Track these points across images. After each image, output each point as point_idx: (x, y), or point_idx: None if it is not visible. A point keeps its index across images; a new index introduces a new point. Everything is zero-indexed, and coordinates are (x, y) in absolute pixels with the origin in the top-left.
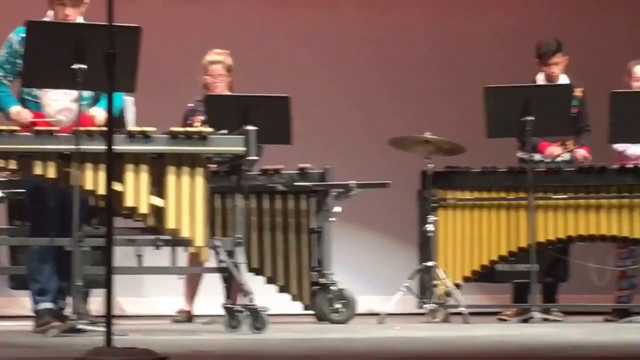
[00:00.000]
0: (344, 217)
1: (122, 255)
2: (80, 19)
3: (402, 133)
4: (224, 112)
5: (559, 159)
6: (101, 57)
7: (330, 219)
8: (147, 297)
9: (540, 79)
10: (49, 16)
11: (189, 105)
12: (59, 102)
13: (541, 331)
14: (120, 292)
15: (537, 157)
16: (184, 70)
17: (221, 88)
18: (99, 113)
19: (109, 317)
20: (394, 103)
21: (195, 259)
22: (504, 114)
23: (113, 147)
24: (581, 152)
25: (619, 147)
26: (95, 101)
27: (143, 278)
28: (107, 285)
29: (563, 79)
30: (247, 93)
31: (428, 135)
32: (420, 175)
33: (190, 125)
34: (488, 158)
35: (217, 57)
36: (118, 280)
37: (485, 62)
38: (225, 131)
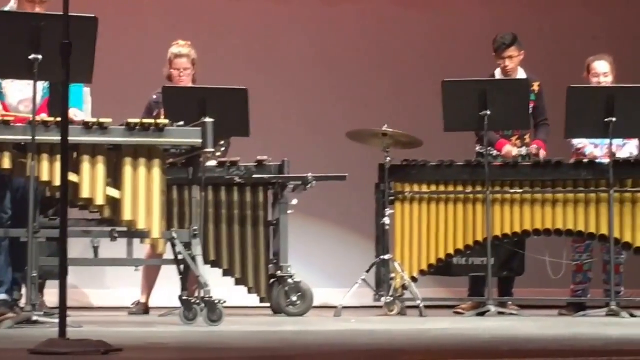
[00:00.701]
0: (302, 210)
1: (83, 247)
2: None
3: (360, 126)
4: (182, 104)
5: (515, 152)
6: (57, 48)
7: (287, 211)
8: (113, 289)
9: (498, 74)
10: (11, 7)
11: (153, 96)
12: (23, 93)
13: (496, 324)
14: (86, 283)
15: (494, 151)
16: (141, 61)
17: (186, 81)
18: (75, 114)
19: (62, 309)
20: (352, 96)
21: (155, 251)
22: (461, 108)
23: (69, 138)
24: (535, 146)
25: (577, 144)
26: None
27: (109, 270)
28: (61, 276)
29: (520, 74)
30: (205, 85)
31: (386, 128)
32: (378, 168)
33: (157, 117)
34: (445, 152)
35: (183, 51)
36: (82, 271)
37: (444, 56)
38: (182, 123)
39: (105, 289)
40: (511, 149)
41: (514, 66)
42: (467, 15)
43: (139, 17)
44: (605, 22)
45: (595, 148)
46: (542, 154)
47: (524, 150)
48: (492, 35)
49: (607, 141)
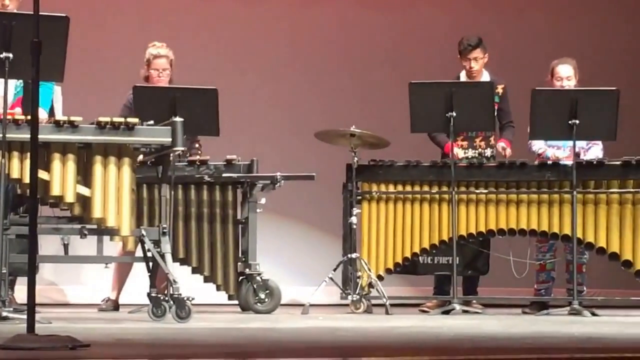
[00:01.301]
0: (270, 209)
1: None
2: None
3: (328, 126)
4: (153, 103)
5: (462, 154)
6: (28, 46)
7: (256, 210)
8: (89, 286)
9: (463, 75)
10: None
11: (130, 94)
12: None
13: (461, 322)
14: (63, 280)
15: (469, 152)
16: (112, 60)
17: (164, 82)
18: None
19: (31, 305)
20: (320, 96)
21: (125, 249)
22: (428, 110)
23: (40, 136)
24: (501, 144)
25: (537, 150)
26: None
27: (86, 267)
28: (30, 273)
29: (485, 76)
30: (176, 85)
31: (354, 129)
32: (346, 168)
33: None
34: (412, 152)
35: (162, 51)
36: (60, 268)
37: (411, 59)
38: (151, 122)
39: (82, 286)
40: (458, 151)
41: (479, 68)
42: (433, 18)
43: (109, 17)
44: (568, 26)
45: (557, 150)
46: (508, 152)
47: (470, 153)
48: (458, 38)
49: (570, 143)
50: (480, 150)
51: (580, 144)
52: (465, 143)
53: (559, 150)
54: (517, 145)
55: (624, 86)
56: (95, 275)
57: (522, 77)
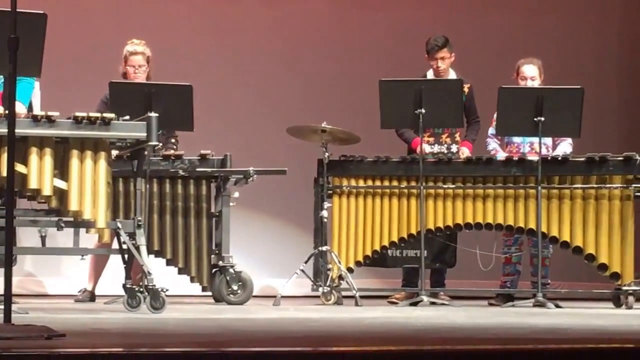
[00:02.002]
0: (243, 202)
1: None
2: None
3: (300, 122)
4: (129, 99)
5: (428, 149)
6: (6, 42)
7: (229, 203)
8: (68, 277)
9: (430, 74)
10: None
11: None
12: None
13: (428, 314)
14: (42, 272)
15: (435, 148)
16: (89, 56)
17: (141, 78)
18: (19, 109)
19: (7, 296)
20: (292, 93)
21: (101, 241)
22: (397, 106)
23: (18, 130)
24: (464, 150)
25: (489, 148)
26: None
27: (65, 258)
28: (6, 264)
29: (451, 75)
30: (151, 81)
31: (325, 124)
32: (317, 163)
33: None
34: (382, 148)
35: (138, 48)
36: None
37: (381, 56)
38: (127, 117)
39: (61, 277)
40: (424, 147)
41: (446, 67)
42: (403, 17)
43: (88, 13)
44: (535, 25)
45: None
46: (467, 156)
47: (436, 148)
48: (428, 36)
49: (530, 139)
50: (446, 145)
51: (548, 140)
52: (431, 139)
53: (524, 146)
54: (481, 141)
55: (588, 84)
56: (73, 267)
57: (489, 75)
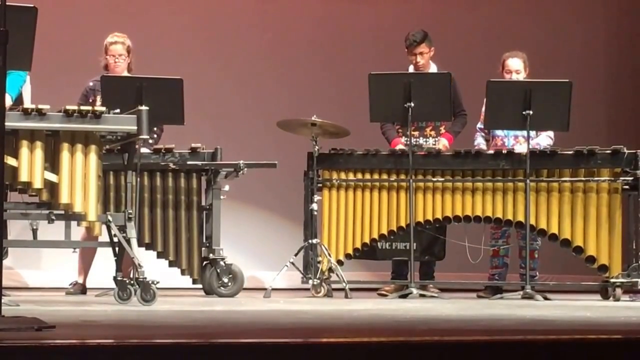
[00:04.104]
0: (234, 196)
1: (21, 229)
2: None
3: (290, 116)
4: (120, 92)
5: (431, 142)
6: None
7: (220, 197)
8: (48, 270)
9: (411, 69)
10: None
11: (89, 83)
12: None
13: (417, 306)
14: (22, 264)
15: (420, 141)
16: (78, 50)
17: (121, 68)
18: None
19: None
20: (282, 86)
21: (89, 234)
22: (387, 100)
23: (8, 123)
24: (443, 142)
25: (475, 143)
26: None
27: (44, 251)
28: None
29: (433, 69)
30: (142, 75)
31: (315, 118)
32: (307, 156)
33: (92, 103)
34: (371, 141)
35: (118, 39)
36: (18, 253)
37: (370, 49)
38: (118, 110)
39: (41, 270)
40: (400, 145)
41: (425, 62)
42: (392, 10)
43: (78, 7)
44: (521, 19)
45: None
46: (445, 149)
47: (421, 141)
48: (417, 29)
49: (515, 132)
50: (431, 138)
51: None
52: (416, 132)
53: (507, 139)
54: (467, 134)
55: (577, 77)
56: (53, 260)
57: (478, 69)
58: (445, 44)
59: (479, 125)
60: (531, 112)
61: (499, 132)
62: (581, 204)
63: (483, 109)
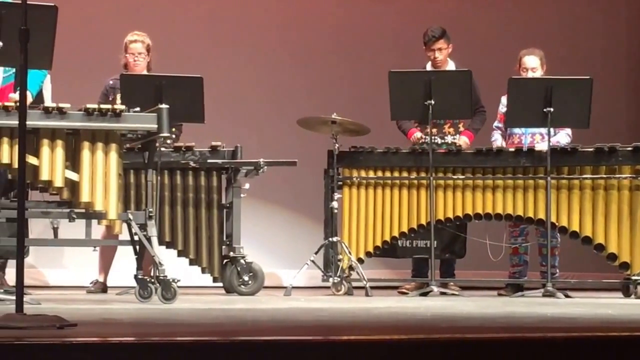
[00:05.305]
0: (254, 194)
1: (42, 228)
2: None
3: (310, 113)
4: (139, 91)
5: (419, 135)
6: (17, 35)
7: (240, 195)
8: (69, 268)
9: (429, 66)
10: None
11: (109, 82)
12: None
13: (438, 304)
14: (43, 263)
15: (439, 139)
16: (100, 49)
17: (141, 67)
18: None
19: (19, 286)
20: (303, 84)
21: (109, 232)
22: (407, 98)
23: (29, 122)
24: (464, 140)
25: (492, 140)
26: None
27: (66, 250)
28: (19, 254)
29: (450, 66)
30: (162, 73)
31: (335, 116)
32: (327, 154)
33: (112, 102)
34: (392, 139)
35: (137, 37)
36: (40, 251)
37: (390, 47)
38: (138, 109)
39: (62, 269)
40: (418, 134)
41: (443, 58)
42: (412, 8)
43: (98, 5)
44: (543, 14)
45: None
46: (466, 146)
47: (438, 139)
48: (435, 26)
49: (532, 130)
50: (449, 136)
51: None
52: (434, 130)
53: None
54: (485, 132)
55: (595, 74)
56: (75, 259)
57: (497, 66)
58: (463, 41)
59: (496, 124)
60: (552, 110)
61: (516, 130)
62: (602, 201)
63: (500, 107)
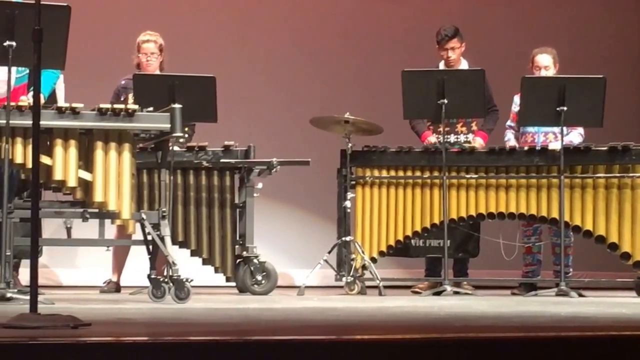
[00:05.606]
0: (267, 193)
1: (55, 228)
2: None
3: (323, 113)
4: (152, 90)
5: (434, 139)
6: (30, 35)
7: (253, 194)
8: (82, 268)
9: (442, 65)
10: None
11: (121, 82)
12: None
13: (451, 303)
14: (56, 263)
15: (451, 138)
16: (114, 49)
17: (153, 67)
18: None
19: (34, 285)
20: (315, 84)
21: (122, 232)
22: (420, 97)
23: (43, 122)
24: (479, 141)
25: (506, 139)
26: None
27: (79, 249)
28: (32, 254)
29: (463, 65)
30: (175, 73)
31: (348, 115)
32: (340, 153)
33: (124, 101)
34: (405, 139)
35: (150, 37)
36: (53, 251)
37: (403, 46)
38: (151, 108)
39: (75, 269)
40: (431, 138)
41: (456, 57)
42: (424, 6)
43: (110, 5)
44: (554, 13)
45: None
46: (481, 147)
47: (452, 138)
48: (447, 24)
49: (544, 129)
50: (462, 135)
51: (556, 129)
52: (447, 129)
53: (538, 136)
54: (497, 131)
55: (607, 73)
56: (88, 259)
57: (508, 65)
58: (475, 39)
59: (509, 123)
60: (565, 108)
61: (529, 129)
62: (616, 200)
63: (512, 106)
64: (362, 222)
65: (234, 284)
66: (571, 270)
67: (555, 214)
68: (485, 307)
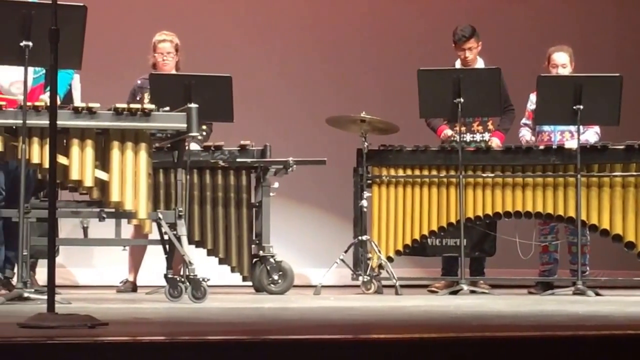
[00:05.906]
0: (283, 193)
1: (72, 228)
2: None
3: (339, 112)
4: (169, 90)
5: (450, 133)
6: (47, 35)
7: (269, 194)
8: (99, 268)
9: (458, 64)
10: None
11: (137, 81)
12: (14, 75)
13: (468, 302)
14: (73, 262)
15: (467, 137)
16: (130, 49)
17: (170, 66)
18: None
19: (51, 285)
20: (331, 83)
21: (139, 232)
22: (436, 96)
23: (59, 122)
24: (496, 142)
25: (520, 136)
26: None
27: (95, 249)
28: (50, 254)
29: (480, 64)
30: (191, 73)
31: (364, 114)
32: (356, 153)
33: (140, 101)
34: (421, 137)
35: (166, 37)
36: (70, 251)
37: (419, 45)
38: (167, 108)
39: (92, 268)
40: (447, 131)
41: (473, 57)
42: (439, 5)
43: (126, 5)
44: (571, 10)
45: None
46: (497, 147)
47: (468, 137)
48: (463, 24)
49: (560, 127)
50: (478, 134)
51: (572, 128)
52: (463, 128)
53: (554, 134)
54: (513, 129)
55: (622, 71)
56: (103, 258)
57: (523, 64)
58: (491, 38)
59: (524, 120)
60: (581, 107)
61: (546, 128)
62: (633, 199)
63: (528, 104)
64: (379, 221)
65: (250, 283)
66: (588, 269)
67: (571, 213)
68: (502, 306)
